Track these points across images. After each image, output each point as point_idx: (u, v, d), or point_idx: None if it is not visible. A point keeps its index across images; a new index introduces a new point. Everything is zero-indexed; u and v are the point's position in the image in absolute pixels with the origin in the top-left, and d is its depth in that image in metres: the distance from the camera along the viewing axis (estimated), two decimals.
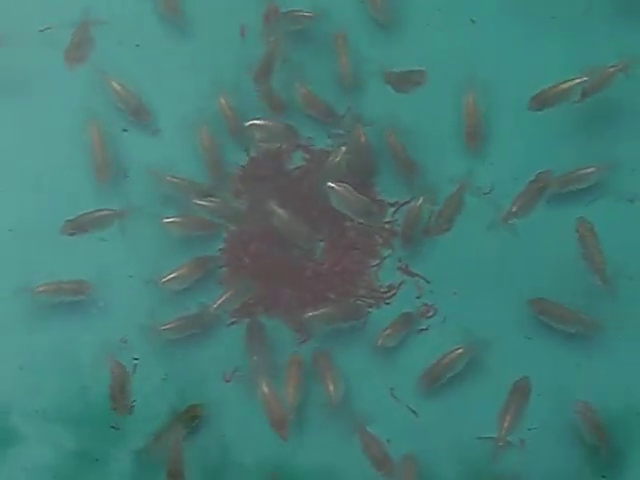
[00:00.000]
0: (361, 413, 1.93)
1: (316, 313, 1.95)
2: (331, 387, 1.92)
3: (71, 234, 1.98)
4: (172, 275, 1.96)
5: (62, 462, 1.95)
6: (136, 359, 1.96)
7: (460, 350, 1.92)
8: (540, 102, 1.98)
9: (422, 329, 1.98)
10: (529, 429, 1.93)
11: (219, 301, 1.95)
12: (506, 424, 1.87)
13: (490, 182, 2.01)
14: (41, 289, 1.96)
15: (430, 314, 1.98)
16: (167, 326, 1.95)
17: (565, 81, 1.97)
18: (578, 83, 1.96)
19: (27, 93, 2.05)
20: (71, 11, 2.05)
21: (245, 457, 1.95)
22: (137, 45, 2.07)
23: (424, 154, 2.02)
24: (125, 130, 2.04)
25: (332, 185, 1.94)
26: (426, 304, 1.98)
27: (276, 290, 2.00)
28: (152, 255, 2.00)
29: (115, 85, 2.02)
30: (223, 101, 2.02)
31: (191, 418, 1.95)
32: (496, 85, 2.03)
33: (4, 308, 1.99)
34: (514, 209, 1.96)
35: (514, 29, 2.06)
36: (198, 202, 1.96)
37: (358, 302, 1.99)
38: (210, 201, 1.98)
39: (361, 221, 1.97)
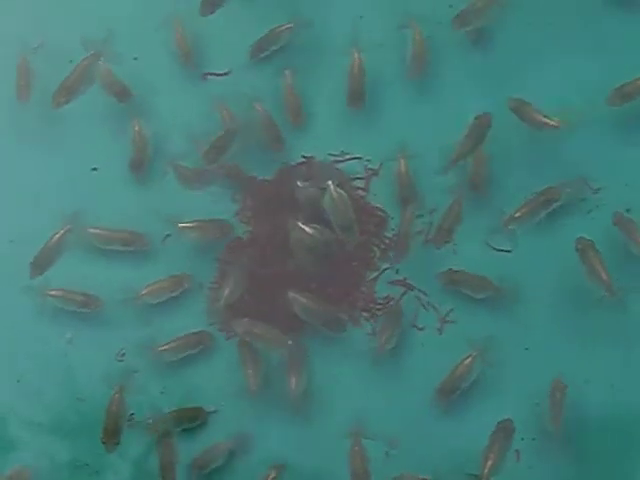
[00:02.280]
0: (361, 422, 1.93)
1: (297, 296, 1.94)
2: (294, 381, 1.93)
3: (40, 274, 1.99)
4: (147, 290, 1.97)
5: (59, 474, 1.96)
6: (135, 372, 1.97)
7: (472, 357, 1.93)
8: (622, 97, 1.98)
9: (419, 328, 1.99)
10: (522, 439, 1.93)
11: (224, 296, 1.96)
12: (490, 462, 1.87)
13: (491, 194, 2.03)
14: (53, 293, 1.97)
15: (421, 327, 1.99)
16: (163, 347, 1.96)
17: None
18: None
19: (24, 108, 2.05)
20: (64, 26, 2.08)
21: (238, 465, 1.96)
22: (135, 59, 2.08)
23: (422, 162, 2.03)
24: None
25: (330, 185, 1.94)
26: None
27: (272, 302, 1.99)
28: (149, 267, 2.00)
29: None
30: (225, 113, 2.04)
31: (193, 417, 1.95)
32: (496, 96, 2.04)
33: (2, 320, 2.00)
34: (517, 215, 1.96)
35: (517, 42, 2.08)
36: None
37: (341, 316, 1.97)
38: None
39: (338, 231, 1.95)
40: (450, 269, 1.97)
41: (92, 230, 1.99)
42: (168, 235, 2.01)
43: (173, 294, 1.98)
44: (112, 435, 1.91)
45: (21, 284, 1.98)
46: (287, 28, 2.05)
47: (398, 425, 1.95)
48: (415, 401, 1.95)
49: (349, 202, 1.94)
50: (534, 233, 1.99)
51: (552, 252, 1.99)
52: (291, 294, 1.94)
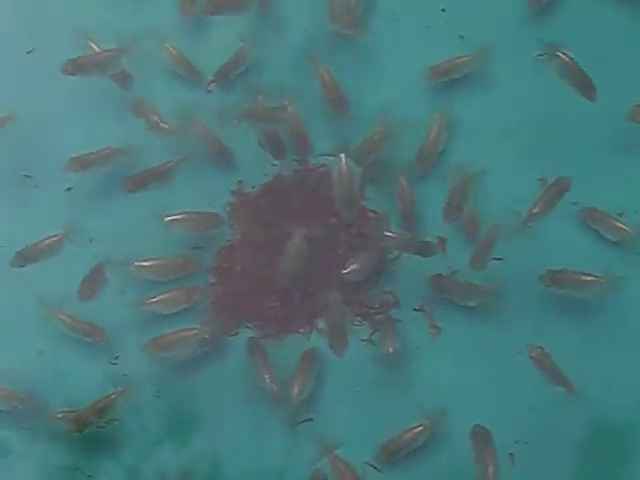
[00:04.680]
0: (329, 438, 1.93)
1: (336, 294, 1.93)
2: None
3: (21, 266, 1.98)
4: (156, 299, 1.96)
5: (53, 478, 1.95)
6: (125, 375, 1.97)
7: (422, 426, 1.92)
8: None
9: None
10: (516, 442, 1.94)
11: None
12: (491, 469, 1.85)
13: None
14: (62, 317, 1.96)
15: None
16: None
17: None
18: None
19: (14, 112, 2.03)
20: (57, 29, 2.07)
21: (235, 473, 1.95)
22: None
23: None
24: None
25: (342, 158, 1.90)
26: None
27: (266, 306, 1.99)
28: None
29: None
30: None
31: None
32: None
33: None
34: (535, 210, 1.94)
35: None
36: None
37: (350, 326, 1.96)
38: None
39: (340, 205, 1.92)
40: (438, 274, 1.97)
41: (141, 264, 1.97)
42: None
43: (185, 306, 1.97)
44: (81, 424, 1.91)
45: (11, 290, 1.99)
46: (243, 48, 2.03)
47: (393, 432, 1.94)
48: (407, 409, 1.95)
49: (357, 177, 1.92)
50: (526, 236, 1.98)
51: (543, 255, 1.99)
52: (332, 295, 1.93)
